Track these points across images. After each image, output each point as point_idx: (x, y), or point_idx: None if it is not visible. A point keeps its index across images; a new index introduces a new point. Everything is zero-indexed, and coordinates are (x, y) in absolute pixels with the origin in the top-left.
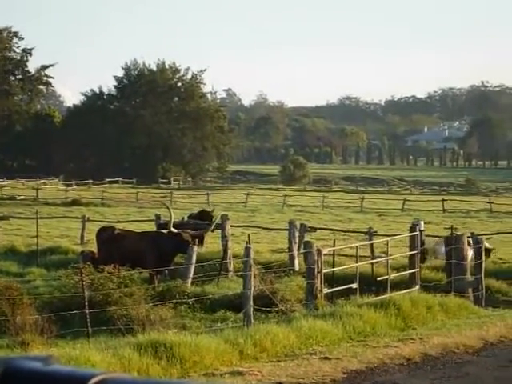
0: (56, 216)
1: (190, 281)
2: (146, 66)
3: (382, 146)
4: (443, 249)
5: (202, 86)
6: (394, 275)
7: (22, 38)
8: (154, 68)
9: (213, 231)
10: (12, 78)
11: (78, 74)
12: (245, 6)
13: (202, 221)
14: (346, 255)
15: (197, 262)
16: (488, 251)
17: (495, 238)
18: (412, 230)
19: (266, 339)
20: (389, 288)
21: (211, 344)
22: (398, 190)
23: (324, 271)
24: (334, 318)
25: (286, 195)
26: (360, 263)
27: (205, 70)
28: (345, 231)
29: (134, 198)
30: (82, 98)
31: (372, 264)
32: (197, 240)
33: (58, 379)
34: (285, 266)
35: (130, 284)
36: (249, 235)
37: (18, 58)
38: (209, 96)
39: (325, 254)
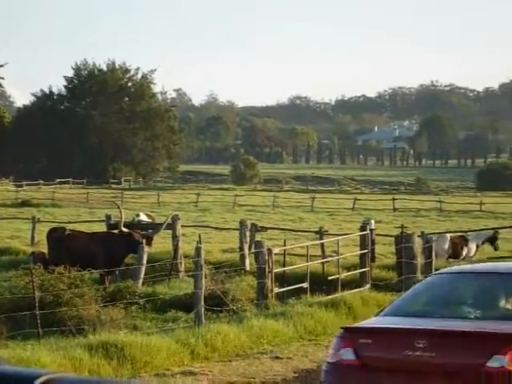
0: (6, 217)
1: (140, 281)
2: (96, 66)
3: (332, 145)
4: (446, 246)
5: (152, 86)
6: (344, 274)
7: None
8: (105, 68)
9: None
10: None
11: (28, 74)
12: (195, 6)
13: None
14: (296, 255)
15: (148, 263)
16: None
17: None
18: (362, 229)
19: (216, 339)
20: (339, 287)
21: (162, 344)
22: (349, 189)
23: (275, 271)
24: (284, 317)
25: (236, 195)
26: (311, 262)
27: (155, 70)
28: (295, 231)
29: (84, 198)
30: (32, 98)
31: (323, 263)
32: (147, 239)
33: (4, 379)
34: (236, 266)
35: (80, 285)
36: (199, 235)
37: None
38: (159, 96)
39: (275, 254)
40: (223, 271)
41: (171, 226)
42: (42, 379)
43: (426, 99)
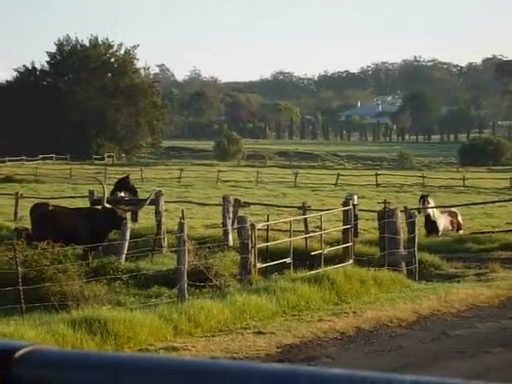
0: None
1: (124, 257)
2: (79, 41)
3: (315, 121)
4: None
5: (135, 61)
6: (327, 250)
7: None
8: (87, 44)
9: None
10: None
11: (10, 49)
12: None
13: (126, 188)
14: (279, 230)
15: (131, 238)
16: None
17: None
18: (345, 204)
19: (200, 314)
20: (322, 262)
21: (145, 320)
22: (332, 164)
23: (258, 246)
24: (268, 292)
25: (219, 171)
26: (294, 238)
27: (138, 46)
28: (279, 206)
29: (67, 174)
30: (15, 74)
31: (306, 239)
32: (132, 215)
33: None
34: (219, 241)
35: (63, 260)
36: (183, 211)
37: None
38: (142, 72)
39: (259, 229)
40: (206, 247)
41: (154, 202)
42: (22, 351)
43: (409, 75)
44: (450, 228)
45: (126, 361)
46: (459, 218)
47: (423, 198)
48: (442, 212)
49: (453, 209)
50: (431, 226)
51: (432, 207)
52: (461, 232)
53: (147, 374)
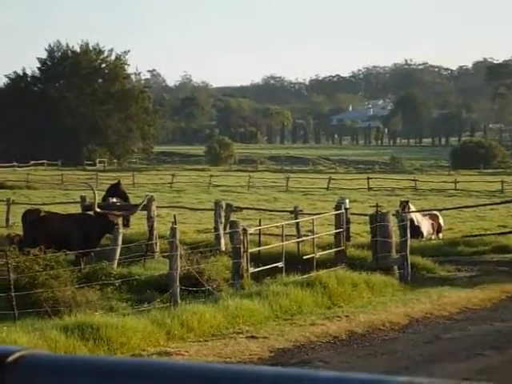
0: None
1: (116, 262)
2: (70, 47)
3: (307, 125)
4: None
5: (126, 67)
6: (319, 254)
7: None
8: (78, 50)
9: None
10: None
11: (1, 56)
12: None
13: (118, 194)
14: (271, 234)
15: (123, 244)
16: None
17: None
18: (337, 208)
19: (192, 319)
20: (315, 266)
21: (138, 325)
22: (323, 168)
23: (250, 250)
24: (260, 297)
25: (211, 175)
26: (286, 242)
27: (129, 51)
28: (270, 210)
29: (59, 180)
30: (6, 80)
31: (298, 243)
32: (123, 220)
33: None
34: (211, 246)
35: (55, 266)
36: (175, 216)
37: None
38: (133, 77)
39: (251, 234)
40: (198, 252)
41: (146, 207)
42: (15, 355)
43: (400, 78)
44: (432, 231)
45: (119, 365)
46: (440, 221)
47: (403, 205)
48: (424, 215)
49: (434, 211)
50: (415, 231)
51: (414, 211)
52: (440, 235)
53: (140, 378)
